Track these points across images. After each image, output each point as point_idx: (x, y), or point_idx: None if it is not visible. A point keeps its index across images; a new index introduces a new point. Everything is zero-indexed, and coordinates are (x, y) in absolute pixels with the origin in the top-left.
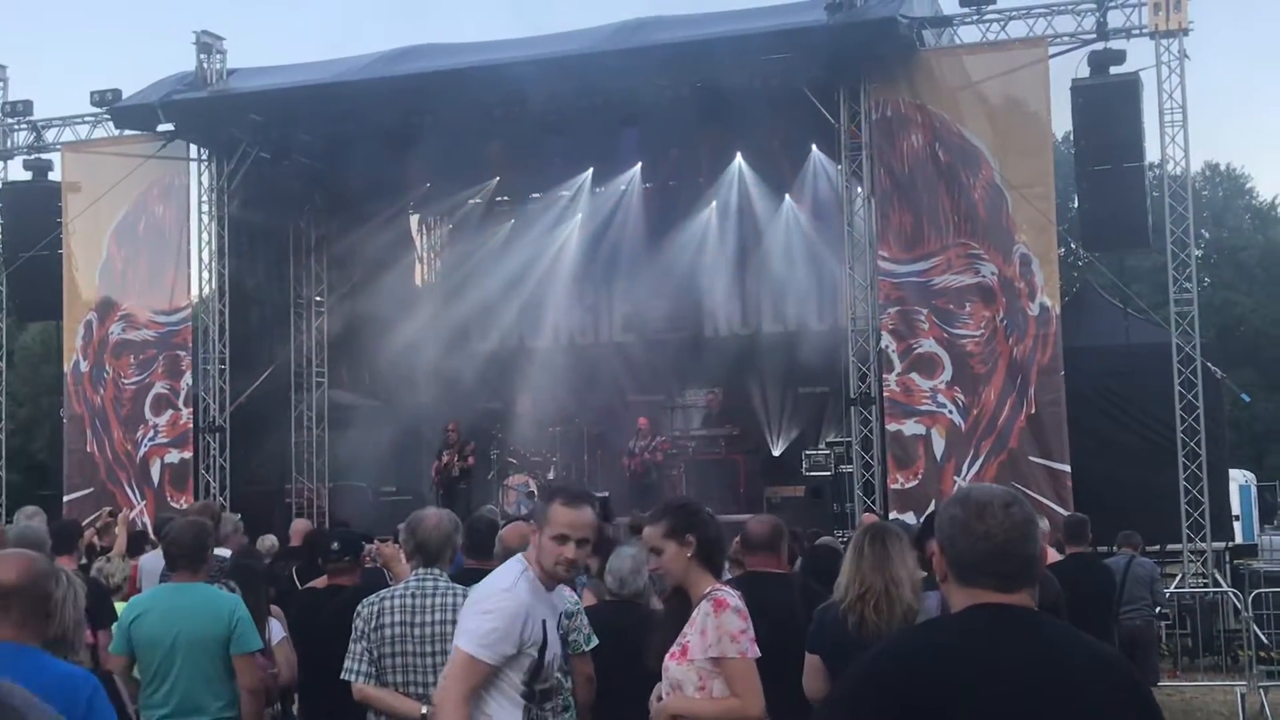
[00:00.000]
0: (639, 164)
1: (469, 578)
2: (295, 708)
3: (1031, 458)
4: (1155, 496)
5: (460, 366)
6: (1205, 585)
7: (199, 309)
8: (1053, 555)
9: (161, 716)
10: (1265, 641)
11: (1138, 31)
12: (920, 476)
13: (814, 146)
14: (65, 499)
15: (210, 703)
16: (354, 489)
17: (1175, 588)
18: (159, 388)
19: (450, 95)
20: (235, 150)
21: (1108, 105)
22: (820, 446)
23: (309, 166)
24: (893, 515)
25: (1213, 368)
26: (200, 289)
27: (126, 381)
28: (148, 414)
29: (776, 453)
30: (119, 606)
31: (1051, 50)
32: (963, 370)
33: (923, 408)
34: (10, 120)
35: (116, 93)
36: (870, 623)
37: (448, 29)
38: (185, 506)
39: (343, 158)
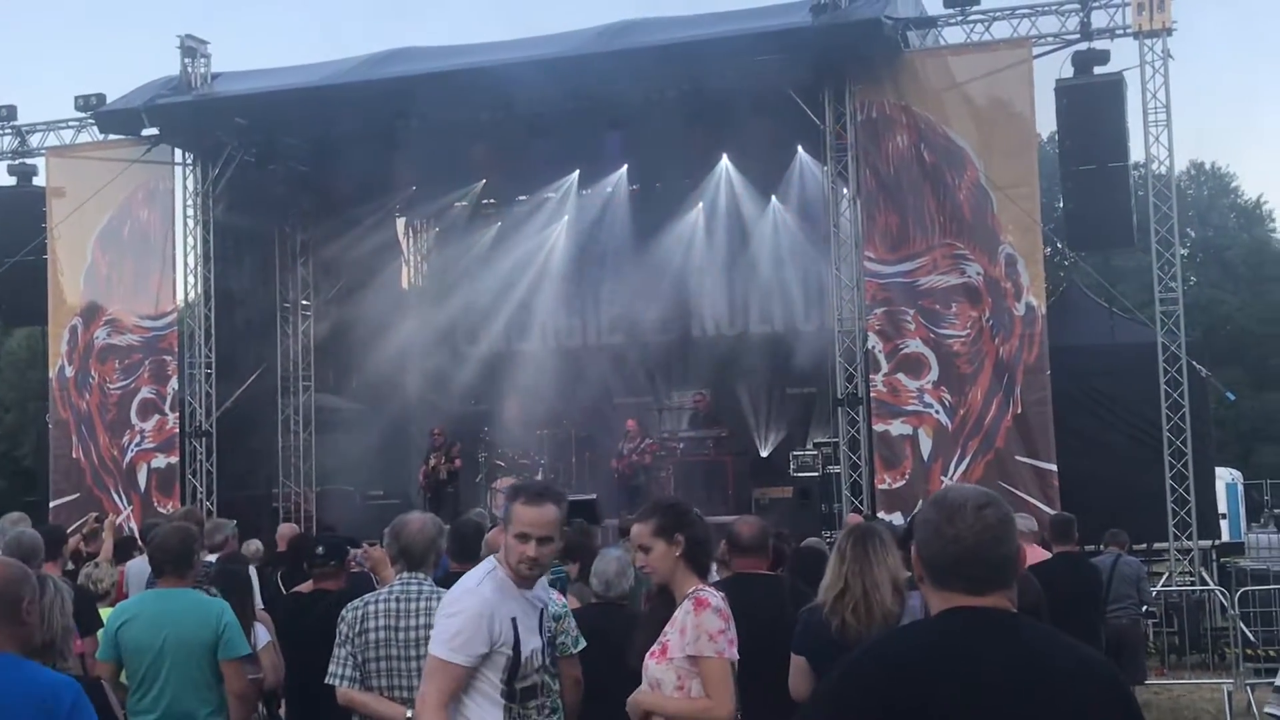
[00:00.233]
0: (625, 166)
1: (455, 582)
2: (281, 711)
3: (1018, 457)
4: (1142, 495)
5: (448, 369)
6: (1192, 583)
7: (185, 313)
8: (1040, 554)
9: None
10: (1252, 639)
11: (1121, 31)
12: (907, 477)
13: (800, 148)
14: (51, 504)
15: (198, 708)
16: (341, 493)
17: (1162, 586)
18: (145, 393)
19: (436, 98)
20: (220, 154)
21: (1092, 105)
22: (808, 447)
23: (295, 170)
24: (880, 515)
25: (1198, 366)
26: (186, 293)
27: (112, 387)
28: (134, 419)
29: (764, 454)
30: (105, 613)
31: (1036, 51)
32: (949, 370)
33: (909, 408)
34: None
35: (101, 97)
36: (851, 626)
37: (433, 32)
38: (171, 512)
39: (329, 161)
